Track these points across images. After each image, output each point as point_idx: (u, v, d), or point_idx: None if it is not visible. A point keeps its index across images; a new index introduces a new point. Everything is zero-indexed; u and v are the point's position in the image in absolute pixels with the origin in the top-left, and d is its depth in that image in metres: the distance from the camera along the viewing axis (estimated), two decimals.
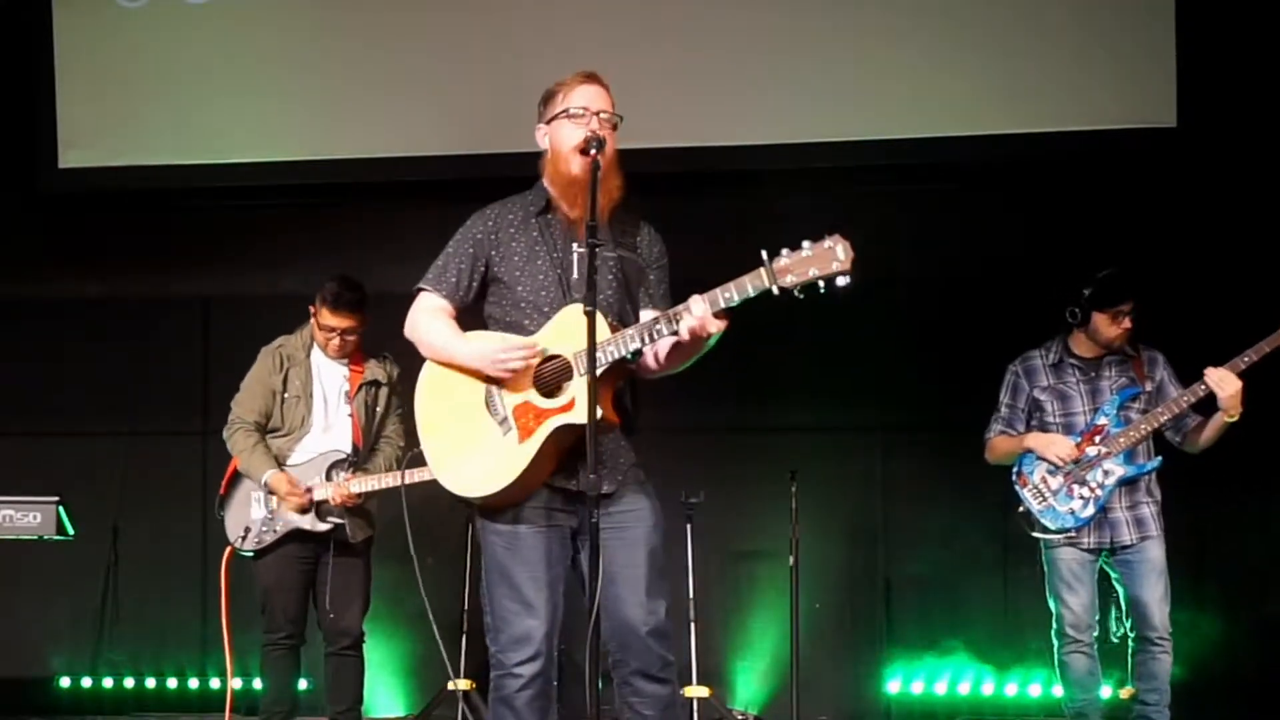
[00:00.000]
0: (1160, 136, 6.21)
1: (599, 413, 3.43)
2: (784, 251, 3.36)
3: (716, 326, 3.43)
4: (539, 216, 3.74)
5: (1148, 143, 6.23)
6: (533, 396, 3.60)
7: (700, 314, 3.41)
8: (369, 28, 6.76)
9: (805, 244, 3.35)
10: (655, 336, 3.50)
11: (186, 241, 7.04)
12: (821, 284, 3.33)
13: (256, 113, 6.83)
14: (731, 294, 3.41)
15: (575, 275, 3.65)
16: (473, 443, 3.64)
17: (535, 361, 3.60)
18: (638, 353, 3.56)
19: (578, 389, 3.51)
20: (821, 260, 3.33)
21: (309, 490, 5.30)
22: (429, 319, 3.75)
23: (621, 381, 3.66)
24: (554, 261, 3.69)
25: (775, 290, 3.35)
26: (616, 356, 3.52)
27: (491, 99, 6.48)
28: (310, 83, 6.82)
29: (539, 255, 3.70)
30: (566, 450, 3.57)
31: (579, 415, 3.48)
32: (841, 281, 3.33)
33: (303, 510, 5.30)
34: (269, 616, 5.39)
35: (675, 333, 3.47)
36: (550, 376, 3.59)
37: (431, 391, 3.74)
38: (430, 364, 3.76)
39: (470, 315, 3.79)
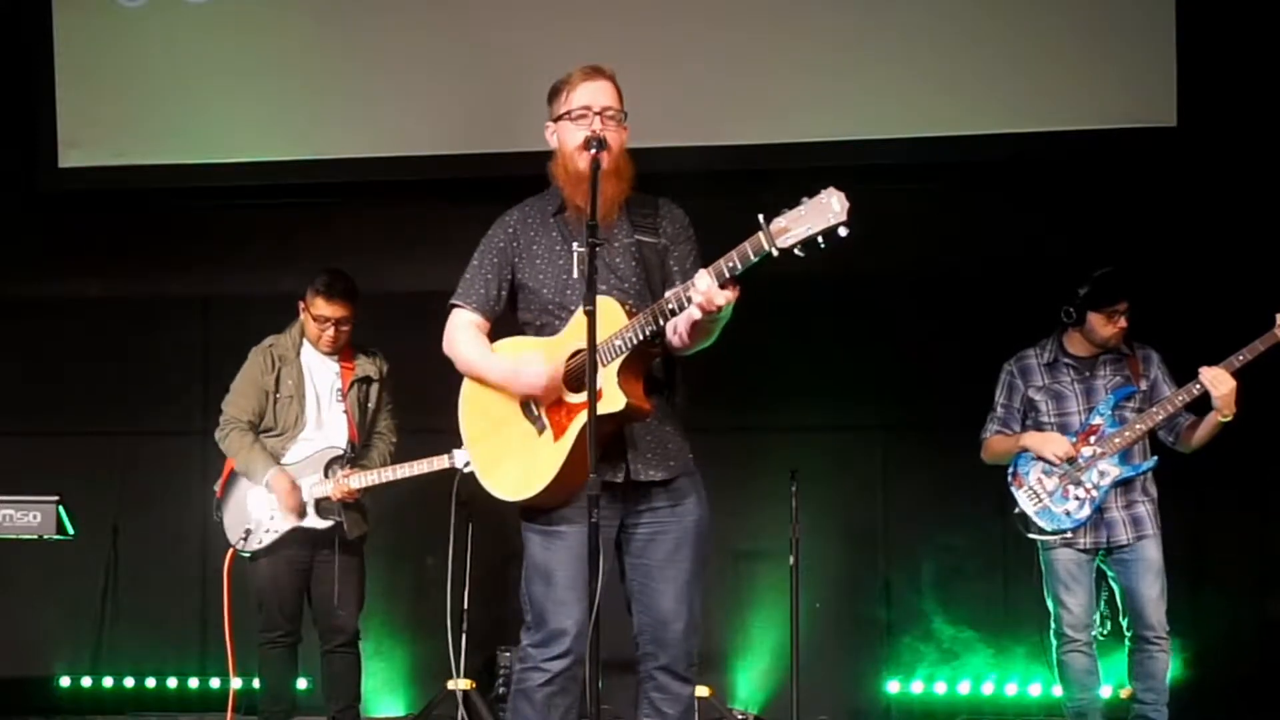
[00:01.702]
0: (1160, 136, 6.20)
1: (624, 402, 3.46)
2: (781, 211, 3.32)
3: (724, 298, 3.39)
4: (556, 216, 3.74)
5: (1148, 143, 6.21)
6: (563, 393, 3.60)
7: (705, 287, 3.38)
8: (369, 27, 6.75)
9: (803, 200, 3.31)
10: (669, 315, 3.48)
11: (186, 241, 7.03)
12: (821, 239, 3.28)
13: (256, 113, 6.82)
14: (734, 262, 3.37)
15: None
16: (512, 447, 3.65)
17: (561, 362, 3.59)
18: (658, 334, 3.54)
19: (605, 379, 3.49)
20: (817, 214, 3.27)
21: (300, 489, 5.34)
22: (462, 336, 3.75)
23: (649, 366, 3.63)
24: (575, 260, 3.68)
25: (775, 252, 3.30)
26: (635, 342, 3.51)
27: (491, 99, 6.48)
28: (310, 82, 6.81)
29: (560, 255, 3.70)
30: (604, 442, 3.50)
31: (609, 405, 3.47)
32: (841, 232, 3.26)
33: (298, 514, 5.32)
34: (266, 616, 5.40)
35: (683, 309, 3.44)
36: (578, 371, 3.57)
37: (471, 404, 3.76)
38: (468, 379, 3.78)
39: (505, 324, 3.79)
